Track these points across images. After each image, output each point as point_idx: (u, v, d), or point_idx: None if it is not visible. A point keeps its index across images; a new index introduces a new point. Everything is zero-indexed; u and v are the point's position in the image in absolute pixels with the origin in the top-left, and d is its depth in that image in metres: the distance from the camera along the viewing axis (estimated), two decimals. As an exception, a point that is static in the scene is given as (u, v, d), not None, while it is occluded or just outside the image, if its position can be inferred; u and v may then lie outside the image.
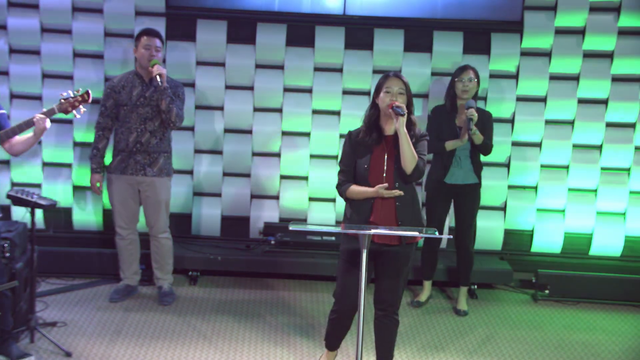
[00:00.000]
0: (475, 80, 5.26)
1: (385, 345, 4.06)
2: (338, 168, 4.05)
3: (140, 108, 5.17)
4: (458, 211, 5.49)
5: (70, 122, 5.97)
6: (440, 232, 5.19)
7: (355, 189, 3.89)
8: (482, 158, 5.40)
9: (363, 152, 3.90)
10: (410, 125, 3.87)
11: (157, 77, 5.02)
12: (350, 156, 3.95)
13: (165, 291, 5.44)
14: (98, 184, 5.31)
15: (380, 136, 3.92)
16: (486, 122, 5.30)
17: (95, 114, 5.74)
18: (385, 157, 3.87)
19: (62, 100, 4.43)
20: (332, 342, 4.26)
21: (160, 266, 5.46)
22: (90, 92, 4.48)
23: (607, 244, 6.16)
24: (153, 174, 5.23)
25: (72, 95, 4.45)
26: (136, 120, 5.17)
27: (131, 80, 5.24)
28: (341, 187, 3.96)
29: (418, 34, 6.06)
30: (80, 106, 4.47)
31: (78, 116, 4.50)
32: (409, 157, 3.75)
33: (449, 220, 5.96)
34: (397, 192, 3.81)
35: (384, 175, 3.85)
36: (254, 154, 6.16)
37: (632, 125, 6.07)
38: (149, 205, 5.32)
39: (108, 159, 5.39)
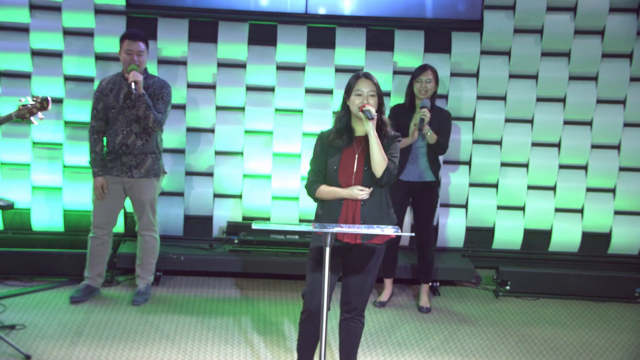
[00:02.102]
0: (433, 80, 5.30)
1: (349, 347, 4.04)
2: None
3: (127, 110, 5.15)
4: (416, 210, 5.50)
5: (28, 122, 5.85)
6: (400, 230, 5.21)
7: (326, 189, 3.86)
8: (447, 156, 5.45)
9: (333, 153, 3.86)
10: (381, 125, 3.84)
11: (132, 84, 4.98)
12: (321, 157, 3.90)
13: (139, 290, 5.41)
14: (102, 187, 5.24)
15: (351, 137, 3.88)
16: (443, 121, 5.34)
17: (53, 113, 5.69)
18: (356, 158, 3.84)
19: (21, 107, 4.37)
20: (304, 353, 4.08)
21: (141, 263, 5.45)
22: (50, 99, 4.42)
23: (566, 240, 6.28)
24: (140, 175, 5.23)
25: (30, 101, 4.38)
26: (122, 122, 5.15)
27: (118, 83, 5.21)
28: (310, 187, 3.92)
29: (380, 33, 6.10)
30: (39, 113, 4.40)
31: (36, 123, 4.44)
32: (378, 160, 3.72)
33: (410, 218, 6.01)
34: (368, 191, 3.81)
35: (354, 176, 3.82)
36: (217, 153, 6.13)
37: (589, 123, 6.19)
38: (134, 203, 5.35)
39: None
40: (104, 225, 5.33)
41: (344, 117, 3.90)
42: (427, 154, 5.32)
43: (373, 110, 3.72)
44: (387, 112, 4.02)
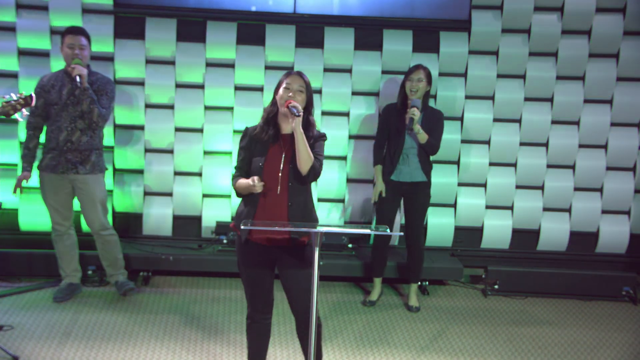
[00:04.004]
0: (425, 80, 5.30)
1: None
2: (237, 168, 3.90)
3: (70, 107, 5.11)
4: (407, 210, 5.51)
5: (15, 122, 5.85)
6: (390, 230, 5.20)
7: (240, 182, 3.74)
8: (435, 156, 5.45)
9: (259, 150, 3.77)
10: (307, 125, 3.78)
11: (77, 77, 4.95)
12: (246, 152, 3.81)
13: (123, 282, 5.42)
14: (25, 182, 5.20)
15: (278, 134, 3.78)
16: (435, 121, 5.34)
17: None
18: (282, 156, 3.74)
19: (4, 103, 4.33)
20: None
21: (110, 263, 5.42)
22: (33, 95, 4.39)
23: (554, 239, 6.31)
24: (85, 171, 5.18)
25: (14, 98, 4.35)
26: (66, 119, 5.11)
27: (61, 79, 5.16)
28: (232, 182, 3.82)
29: (368, 33, 6.11)
30: (23, 109, 4.37)
31: (20, 119, 4.41)
32: (304, 157, 3.63)
33: (400, 218, 6.03)
34: (261, 184, 3.64)
35: (280, 174, 3.72)
36: (206, 153, 6.12)
37: (577, 123, 6.22)
38: (86, 203, 5.27)
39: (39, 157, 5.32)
40: (63, 220, 5.31)
41: (272, 112, 3.79)
42: (417, 155, 5.33)
43: (299, 107, 3.65)
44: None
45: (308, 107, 3.79)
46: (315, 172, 3.69)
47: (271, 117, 3.78)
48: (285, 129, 3.77)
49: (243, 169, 3.82)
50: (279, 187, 3.71)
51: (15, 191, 5.21)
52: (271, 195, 3.72)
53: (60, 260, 5.39)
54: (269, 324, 3.93)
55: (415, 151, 5.32)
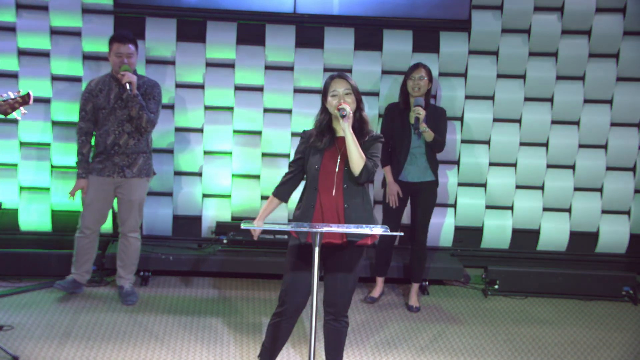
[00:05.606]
0: (426, 78, 5.30)
1: (335, 347, 4.02)
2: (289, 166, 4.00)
3: (118, 110, 5.15)
4: (415, 209, 5.50)
5: (15, 121, 5.84)
6: (397, 230, 5.20)
7: (265, 204, 4.02)
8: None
9: (314, 153, 3.86)
10: (362, 123, 3.85)
11: (127, 85, 4.98)
12: (302, 155, 3.92)
13: (127, 291, 5.39)
14: (82, 191, 5.25)
15: (333, 138, 3.87)
16: (439, 118, 5.34)
17: (41, 113, 5.68)
18: (338, 158, 3.82)
19: (1, 102, 4.30)
20: (269, 355, 4.06)
21: (124, 265, 5.42)
22: (31, 93, 4.36)
23: (554, 239, 6.31)
24: (132, 174, 5.23)
25: (12, 96, 4.32)
26: (114, 123, 5.15)
27: (108, 83, 5.20)
28: (276, 188, 4.02)
29: (368, 33, 6.11)
30: (21, 108, 4.34)
31: (19, 118, 4.38)
32: (355, 157, 3.70)
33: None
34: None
35: (335, 176, 3.81)
36: (206, 153, 6.12)
37: (577, 123, 6.22)
38: (122, 203, 5.31)
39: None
40: (93, 225, 5.32)
41: (324, 119, 3.88)
42: (425, 153, 5.33)
43: (348, 108, 3.71)
44: (367, 111, 3.96)
45: (358, 105, 3.85)
46: (368, 173, 3.76)
47: (324, 124, 3.87)
48: (340, 131, 3.85)
49: (293, 171, 3.96)
50: (334, 189, 3.79)
51: (72, 195, 5.26)
52: (327, 197, 3.81)
53: (76, 257, 5.38)
54: (293, 325, 3.99)
55: (423, 150, 5.31)
